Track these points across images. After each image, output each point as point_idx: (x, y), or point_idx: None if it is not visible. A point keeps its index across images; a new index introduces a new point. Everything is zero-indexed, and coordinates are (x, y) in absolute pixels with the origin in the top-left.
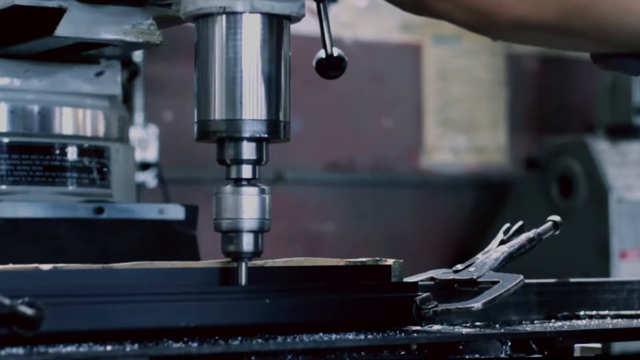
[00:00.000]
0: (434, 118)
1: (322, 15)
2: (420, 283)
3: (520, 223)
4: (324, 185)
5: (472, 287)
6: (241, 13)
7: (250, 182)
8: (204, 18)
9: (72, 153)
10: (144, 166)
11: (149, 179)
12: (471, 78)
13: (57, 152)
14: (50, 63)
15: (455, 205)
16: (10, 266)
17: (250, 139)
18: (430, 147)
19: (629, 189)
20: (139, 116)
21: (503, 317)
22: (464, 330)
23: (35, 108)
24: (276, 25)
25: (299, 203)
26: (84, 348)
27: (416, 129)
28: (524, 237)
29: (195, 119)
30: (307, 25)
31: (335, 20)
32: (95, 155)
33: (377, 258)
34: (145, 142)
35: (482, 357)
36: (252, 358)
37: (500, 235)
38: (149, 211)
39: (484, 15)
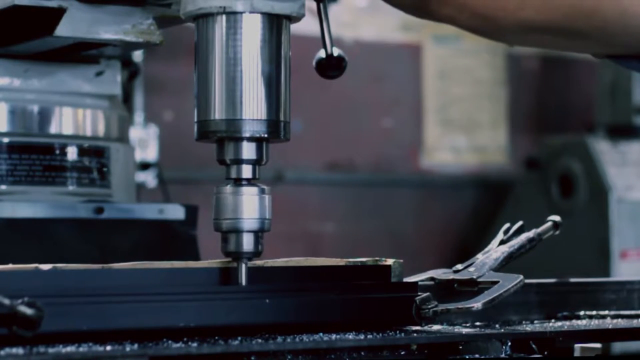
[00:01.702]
0: (434, 118)
1: (322, 15)
2: (420, 283)
3: (520, 223)
4: (324, 185)
5: (472, 287)
6: (241, 13)
7: (250, 182)
8: (204, 18)
9: (72, 153)
10: (144, 166)
11: (149, 179)
12: (471, 78)
13: (57, 152)
14: (50, 63)
15: (455, 205)
16: (10, 266)
17: (250, 139)
18: (430, 147)
19: (629, 189)
20: (139, 116)
21: (503, 317)
22: (464, 330)
23: (35, 108)
24: (276, 25)
25: (299, 203)
26: (83, 348)
27: (416, 129)
28: (524, 237)
29: (195, 119)
30: (307, 25)
31: (335, 20)
32: (95, 155)
33: (377, 258)
34: (145, 142)
35: (482, 357)
36: (252, 358)
37: (500, 235)
38: (149, 211)
39: (488, 19)
